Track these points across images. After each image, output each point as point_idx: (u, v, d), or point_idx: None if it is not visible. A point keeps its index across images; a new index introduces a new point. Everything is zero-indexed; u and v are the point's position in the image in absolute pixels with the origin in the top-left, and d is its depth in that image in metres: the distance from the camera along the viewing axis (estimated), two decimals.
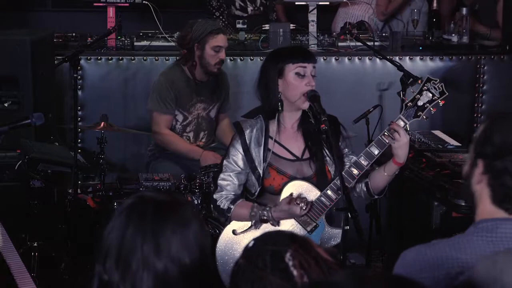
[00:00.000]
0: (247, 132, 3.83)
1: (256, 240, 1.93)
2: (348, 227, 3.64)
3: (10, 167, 4.27)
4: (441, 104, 3.77)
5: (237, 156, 3.84)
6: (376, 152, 3.73)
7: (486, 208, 2.25)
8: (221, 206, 3.82)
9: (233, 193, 3.84)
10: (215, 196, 3.86)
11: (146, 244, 1.94)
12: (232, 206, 3.80)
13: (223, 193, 3.84)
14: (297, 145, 3.87)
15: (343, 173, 3.69)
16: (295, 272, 1.84)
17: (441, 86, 3.77)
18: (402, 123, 3.72)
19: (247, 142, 3.82)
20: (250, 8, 6.73)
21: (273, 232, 1.98)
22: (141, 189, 4.69)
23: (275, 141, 3.85)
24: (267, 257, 1.86)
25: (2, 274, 3.11)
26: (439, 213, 4.33)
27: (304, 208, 3.63)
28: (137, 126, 5.53)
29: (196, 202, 4.63)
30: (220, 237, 3.87)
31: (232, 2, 6.72)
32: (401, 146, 3.67)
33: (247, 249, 1.92)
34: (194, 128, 5.30)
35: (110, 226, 2.01)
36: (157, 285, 1.93)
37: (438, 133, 5.14)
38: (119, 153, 5.73)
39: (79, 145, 5.40)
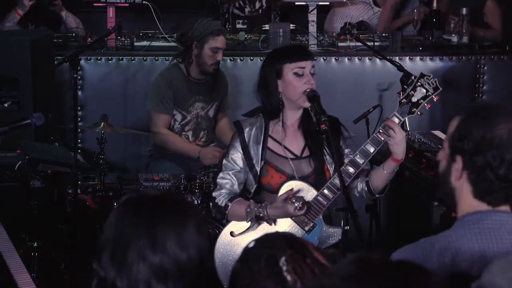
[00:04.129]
0: (246, 130, 3.84)
1: (255, 242, 1.93)
2: (348, 227, 3.65)
3: (10, 167, 4.26)
4: (435, 99, 3.76)
5: (236, 155, 3.85)
6: (371, 150, 3.73)
7: (467, 202, 2.28)
8: (219, 204, 3.82)
9: (232, 191, 3.84)
10: (214, 194, 3.87)
11: (142, 237, 1.95)
12: (229, 204, 3.80)
13: (222, 191, 3.84)
14: (297, 143, 3.87)
15: None
16: (288, 277, 1.84)
17: (435, 81, 3.77)
18: (396, 120, 3.72)
19: (246, 140, 3.83)
20: (247, 9, 6.72)
21: (273, 235, 1.98)
22: (141, 189, 4.70)
23: (275, 139, 3.85)
24: (262, 261, 1.86)
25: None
26: (439, 213, 4.33)
27: (298, 208, 3.62)
28: (137, 126, 5.53)
29: (196, 202, 4.63)
30: (219, 239, 3.87)
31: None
32: (397, 143, 3.66)
33: (245, 251, 1.92)
34: (193, 127, 5.29)
35: (107, 223, 2.02)
36: (153, 277, 1.94)
37: (438, 133, 5.13)
38: (119, 153, 5.72)
39: (79, 145, 5.40)
